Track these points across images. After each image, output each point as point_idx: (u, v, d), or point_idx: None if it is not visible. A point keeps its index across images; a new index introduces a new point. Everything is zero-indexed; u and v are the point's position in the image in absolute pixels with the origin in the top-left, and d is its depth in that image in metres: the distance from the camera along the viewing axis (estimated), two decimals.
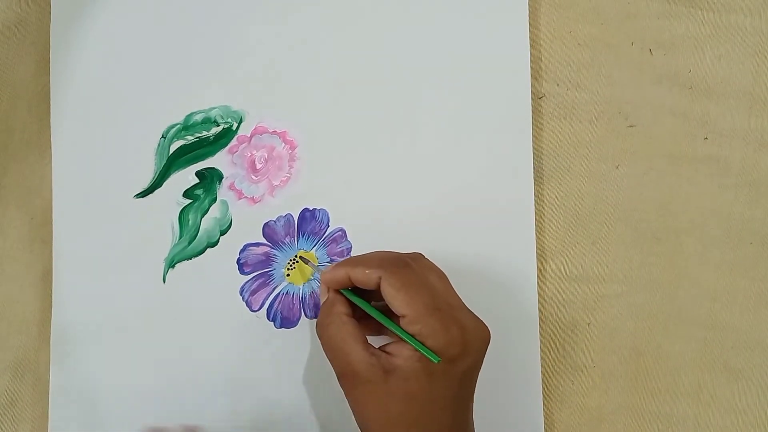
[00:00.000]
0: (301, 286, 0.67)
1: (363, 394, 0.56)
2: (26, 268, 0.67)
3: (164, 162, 0.66)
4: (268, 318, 0.66)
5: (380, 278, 0.56)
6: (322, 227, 0.67)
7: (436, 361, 0.53)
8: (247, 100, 0.67)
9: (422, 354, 0.53)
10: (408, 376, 0.54)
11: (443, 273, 0.59)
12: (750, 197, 0.69)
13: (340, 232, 0.67)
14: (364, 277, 0.57)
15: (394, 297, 0.55)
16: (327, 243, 0.67)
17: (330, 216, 0.67)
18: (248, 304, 0.66)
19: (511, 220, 0.67)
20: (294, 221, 0.67)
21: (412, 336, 0.54)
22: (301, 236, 0.67)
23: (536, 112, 0.69)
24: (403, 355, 0.54)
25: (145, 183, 0.67)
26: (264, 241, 0.67)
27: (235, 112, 0.67)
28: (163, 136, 0.66)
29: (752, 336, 0.69)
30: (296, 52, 0.68)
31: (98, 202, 0.67)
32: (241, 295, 0.66)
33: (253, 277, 0.67)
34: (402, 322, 0.55)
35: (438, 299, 0.56)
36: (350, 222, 0.67)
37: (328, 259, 0.67)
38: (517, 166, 0.68)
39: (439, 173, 0.68)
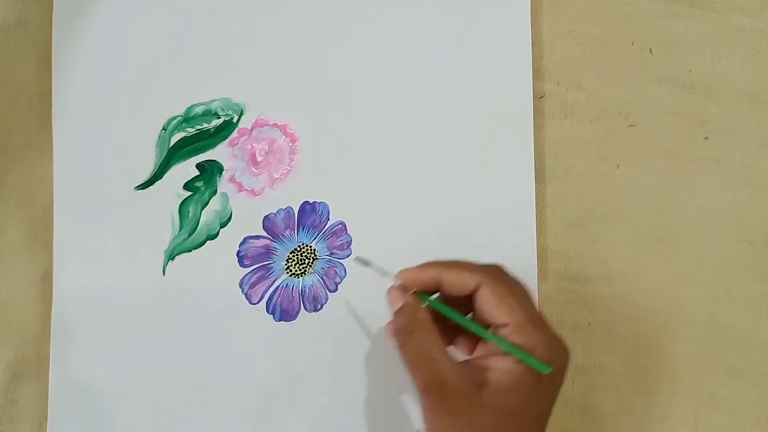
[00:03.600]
0: (300, 280, 0.67)
1: (453, 408, 0.51)
2: (26, 268, 0.67)
3: (165, 154, 0.66)
4: (267, 311, 0.66)
5: (479, 285, 0.54)
6: (323, 220, 0.67)
7: (546, 372, 0.51)
8: (248, 92, 0.67)
9: (524, 367, 0.51)
10: (506, 389, 0.51)
11: (527, 293, 0.56)
12: (750, 197, 0.69)
13: (340, 226, 0.67)
14: (460, 280, 0.55)
15: (496, 305, 0.53)
16: (327, 236, 0.67)
17: (330, 209, 0.67)
18: (248, 297, 0.66)
19: (511, 220, 0.67)
20: (294, 214, 0.67)
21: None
22: (301, 229, 0.67)
23: (537, 111, 0.69)
24: (499, 368, 0.52)
25: (145, 175, 0.67)
26: (264, 233, 0.67)
27: (235, 104, 0.67)
28: (163, 128, 0.66)
29: (752, 336, 0.69)
30: (298, 45, 0.68)
31: (99, 194, 0.66)
32: (240, 287, 0.66)
33: (253, 269, 0.66)
34: (501, 332, 0.53)
35: (539, 313, 0.54)
36: (350, 215, 0.67)
37: (328, 252, 0.67)
38: (518, 166, 0.68)
39: (439, 172, 0.68)
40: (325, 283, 0.67)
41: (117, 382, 0.66)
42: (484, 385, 0.51)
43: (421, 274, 0.57)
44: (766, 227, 0.69)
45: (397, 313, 0.57)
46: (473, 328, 0.55)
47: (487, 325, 0.54)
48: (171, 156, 0.66)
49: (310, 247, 0.67)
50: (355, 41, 0.68)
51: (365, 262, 0.64)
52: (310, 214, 0.67)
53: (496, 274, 0.55)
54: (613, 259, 0.69)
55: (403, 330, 0.55)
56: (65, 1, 0.67)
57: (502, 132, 0.68)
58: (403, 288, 0.57)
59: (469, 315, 0.57)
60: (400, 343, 0.55)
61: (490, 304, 0.53)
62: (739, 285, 0.69)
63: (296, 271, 0.67)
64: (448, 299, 0.56)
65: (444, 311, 0.56)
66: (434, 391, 0.52)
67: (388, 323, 0.58)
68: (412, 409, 0.66)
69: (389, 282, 0.58)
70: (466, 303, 0.56)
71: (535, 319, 0.53)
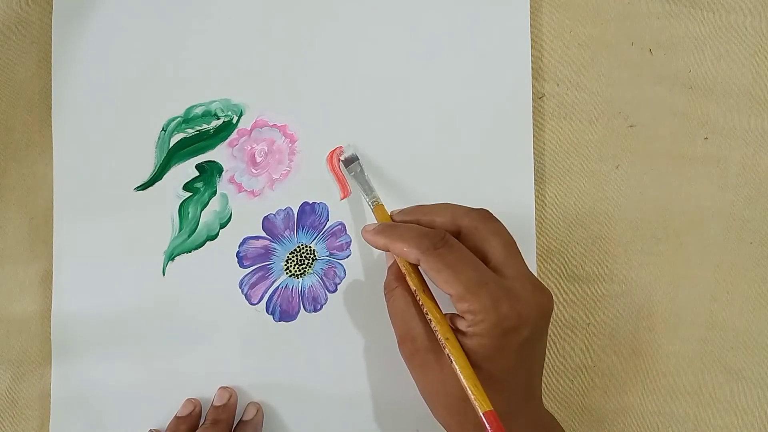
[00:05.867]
0: (300, 280, 0.67)
1: (422, 363, 0.55)
2: (26, 268, 0.67)
3: (164, 155, 0.66)
4: (267, 311, 0.66)
5: (417, 261, 0.55)
6: (322, 221, 0.67)
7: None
8: (247, 93, 0.67)
9: (478, 329, 0.52)
10: (469, 346, 0.53)
11: (510, 238, 0.58)
12: (750, 197, 0.69)
13: (339, 226, 0.67)
14: (403, 254, 0.56)
15: (436, 279, 0.54)
16: (326, 237, 0.67)
17: (329, 210, 0.67)
18: (247, 298, 0.66)
19: (511, 220, 0.67)
20: (294, 215, 0.67)
21: (462, 314, 0.53)
22: (300, 230, 0.67)
23: (536, 111, 0.69)
24: (458, 329, 0.54)
25: (145, 176, 0.66)
26: (264, 234, 0.67)
27: (235, 105, 0.67)
28: (163, 129, 0.66)
29: (752, 336, 0.69)
30: (297, 45, 0.68)
31: (98, 196, 0.66)
32: (240, 288, 0.66)
33: (253, 270, 0.66)
34: (452, 300, 0.54)
35: (485, 274, 0.54)
36: (350, 216, 0.67)
37: (328, 253, 0.67)
38: (517, 166, 0.68)
39: (439, 172, 0.68)
40: (324, 283, 0.67)
41: (118, 382, 0.66)
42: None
43: (375, 240, 0.59)
44: (766, 227, 0.69)
45: (388, 269, 0.61)
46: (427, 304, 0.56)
47: None
48: (171, 157, 0.66)
49: (310, 247, 0.67)
50: (355, 42, 0.68)
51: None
52: (309, 215, 0.67)
53: (435, 245, 0.55)
54: (613, 259, 0.69)
55: (386, 286, 0.60)
56: (65, 1, 0.67)
57: (501, 132, 0.68)
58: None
59: None
60: (385, 298, 0.60)
61: (432, 277, 0.54)
62: (739, 285, 0.69)
63: (296, 271, 0.67)
64: None
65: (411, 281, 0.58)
66: (405, 346, 0.57)
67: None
68: (412, 409, 0.66)
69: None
70: None
71: (477, 286, 0.53)
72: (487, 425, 0.49)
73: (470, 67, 0.69)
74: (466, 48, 0.69)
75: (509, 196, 0.68)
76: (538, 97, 0.69)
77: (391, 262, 0.60)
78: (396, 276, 0.59)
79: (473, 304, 0.52)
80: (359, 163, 0.66)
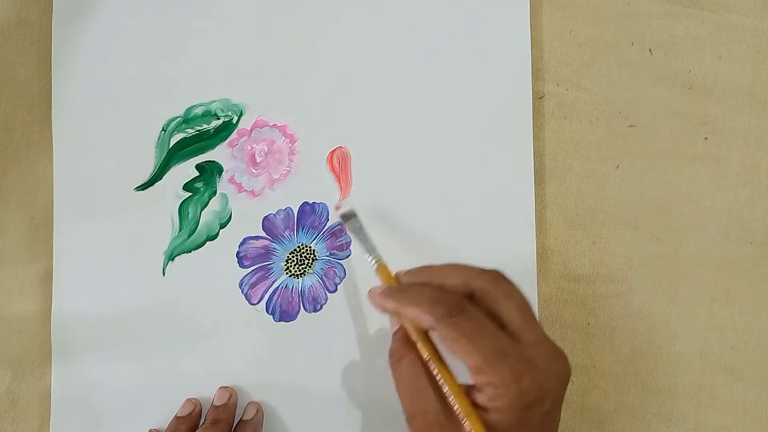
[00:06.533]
0: (300, 280, 0.67)
1: None
2: (26, 268, 0.67)
3: (164, 155, 0.66)
4: (267, 311, 0.66)
5: (432, 328, 0.52)
6: (322, 221, 0.67)
7: None
8: (247, 93, 0.67)
9: (499, 404, 0.49)
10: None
11: (524, 300, 0.54)
12: (750, 197, 0.69)
13: (339, 226, 0.67)
14: (417, 320, 0.53)
15: (452, 348, 0.51)
16: (326, 237, 0.67)
17: (329, 210, 0.67)
18: (247, 298, 0.66)
19: (511, 220, 0.67)
20: (294, 215, 0.67)
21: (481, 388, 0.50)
22: (300, 230, 0.67)
23: (536, 112, 0.69)
24: (477, 403, 0.51)
25: (145, 176, 0.67)
26: (264, 234, 0.67)
27: (235, 105, 0.67)
28: (163, 129, 0.66)
29: (752, 336, 0.69)
30: (297, 45, 0.68)
31: (98, 196, 0.67)
32: (240, 288, 0.66)
33: (253, 270, 0.66)
34: (469, 371, 0.51)
35: (505, 343, 0.51)
36: None
37: (327, 253, 0.67)
38: (518, 166, 0.68)
39: (439, 172, 0.68)
40: (324, 283, 0.67)
41: (118, 382, 0.66)
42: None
43: (384, 304, 0.56)
44: (766, 227, 0.69)
45: (393, 335, 0.57)
46: (442, 373, 0.53)
47: None
48: (171, 157, 0.66)
49: (310, 247, 0.67)
50: (355, 42, 0.68)
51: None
52: (309, 215, 0.67)
53: (451, 313, 0.52)
54: (613, 259, 0.69)
55: (393, 355, 0.55)
56: (65, 1, 0.67)
57: (501, 132, 0.68)
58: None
59: None
60: (391, 368, 0.55)
61: (448, 346, 0.52)
62: (739, 285, 0.69)
63: (296, 271, 0.67)
64: None
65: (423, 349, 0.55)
66: (415, 422, 0.52)
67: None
68: None
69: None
70: None
71: (497, 357, 0.50)
72: None
73: (470, 67, 0.69)
74: (466, 48, 0.69)
75: (509, 196, 0.68)
76: (538, 97, 0.69)
77: (396, 327, 0.57)
78: (403, 343, 0.55)
79: (493, 377, 0.49)
80: (358, 218, 0.64)
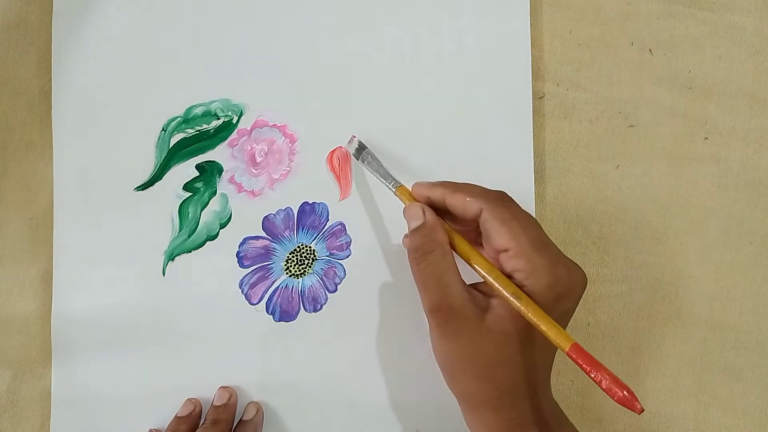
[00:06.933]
0: (300, 280, 0.67)
1: (456, 330, 0.53)
2: (26, 268, 0.67)
3: (164, 155, 0.66)
4: (267, 311, 0.66)
5: (482, 210, 0.54)
6: (322, 221, 0.67)
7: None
8: (247, 93, 0.67)
9: (534, 288, 0.52)
10: (508, 315, 0.53)
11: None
12: (750, 197, 0.69)
13: (339, 226, 0.67)
14: (464, 204, 0.55)
15: (497, 230, 0.53)
16: (326, 237, 0.67)
17: (329, 210, 0.67)
18: (247, 298, 0.66)
19: None
20: (294, 215, 0.67)
21: (511, 273, 0.53)
22: (300, 230, 0.67)
23: (536, 112, 0.69)
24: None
25: (145, 176, 0.66)
26: (264, 234, 0.66)
27: (235, 105, 0.67)
28: (163, 129, 0.66)
29: (752, 336, 0.69)
30: (297, 45, 0.68)
31: (99, 195, 0.66)
32: (240, 288, 0.66)
33: (253, 270, 0.66)
34: (503, 257, 0.53)
35: (544, 235, 0.55)
36: (350, 216, 0.67)
37: (328, 253, 0.67)
38: (518, 166, 0.68)
39: (439, 171, 0.67)
40: (324, 283, 0.67)
41: (118, 382, 0.66)
42: (487, 311, 0.53)
43: (429, 191, 0.58)
44: (766, 227, 0.69)
45: (415, 231, 0.57)
46: (477, 260, 0.55)
47: (493, 251, 0.55)
48: (171, 157, 0.66)
49: (310, 247, 0.67)
50: (355, 42, 0.68)
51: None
52: (309, 215, 0.67)
53: (500, 199, 0.55)
54: (613, 259, 0.69)
55: (418, 249, 0.56)
56: (65, 1, 0.67)
57: (501, 132, 0.68)
58: (419, 207, 0.58)
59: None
60: (414, 263, 0.56)
61: (492, 227, 0.54)
62: (739, 285, 0.69)
63: (296, 271, 0.67)
64: (458, 221, 0.58)
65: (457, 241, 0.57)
66: (441, 313, 0.54)
67: (405, 236, 0.60)
68: (412, 409, 0.66)
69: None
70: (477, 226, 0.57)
71: (539, 244, 0.53)
72: (576, 359, 0.49)
73: (470, 67, 0.69)
74: (466, 48, 0.69)
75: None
76: (538, 97, 0.69)
77: (419, 223, 0.57)
78: (430, 238, 0.56)
79: (534, 261, 0.52)
80: (369, 151, 0.65)
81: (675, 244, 0.69)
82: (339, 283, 0.67)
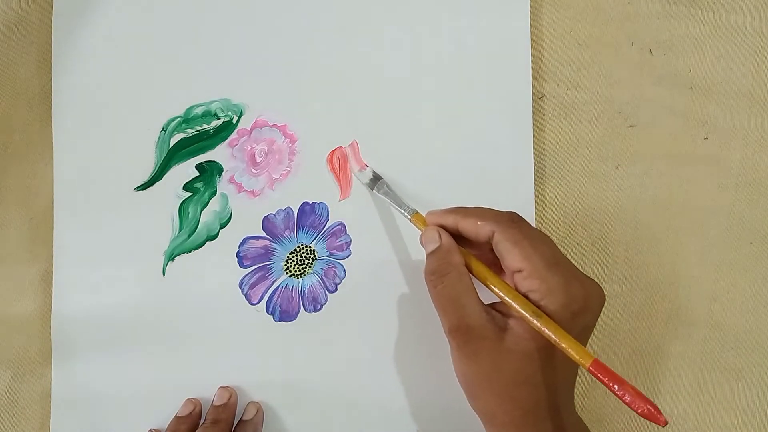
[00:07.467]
0: (300, 280, 0.67)
1: (476, 350, 0.53)
2: (26, 268, 0.67)
3: (164, 155, 0.66)
4: (267, 311, 0.66)
5: (494, 232, 0.55)
6: (322, 221, 0.67)
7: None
8: (247, 93, 0.67)
9: (550, 308, 0.52)
10: (527, 335, 0.53)
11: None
12: (750, 197, 0.69)
13: (339, 226, 0.67)
14: (475, 228, 0.56)
15: (509, 251, 0.54)
16: (326, 237, 0.67)
17: (329, 210, 0.67)
18: (247, 298, 0.66)
19: None
20: (294, 215, 0.67)
21: (526, 293, 0.53)
22: (300, 230, 0.67)
23: (536, 112, 0.69)
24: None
25: (145, 176, 0.66)
26: (264, 234, 0.66)
27: (235, 105, 0.67)
28: (163, 129, 0.66)
29: (752, 336, 0.69)
30: (297, 45, 0.68)
31: (99, 195, 0.66)
32: (240, 288, 0.66)
33: (253, 270, 0.66)
34: (517, 277, 0.54)
35: (557, 252, 0.55)
36: (350, 216, 0.67)
37: (327, 253, 0.67)
38: (518, 166, 0.68)
39: (439, 172, 0.68)
40: (324, 283, 0.67)
41: (118, 382, 0.66)
42: (506, 330, 0.54)
43: (442, 218, 0.59)
44: (766, 227, 0.69)
45: (431, 255, 0.58)
46: (494, 281, 0.55)
47: (509, 272, 0.55)
48: (171, 157, 0.66)
49: (310, 247, 0.67)
50: (355, 42, 0.68)
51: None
52: (309, 215, 0.67)
53: (510, 220, 0.56)
54: (613, 259, 0.69)
55: (435, 272, 0.57)
56: (65, 1, 0.67)
57: (501, 132, 0.68)
58: (435, 231, 0.58)
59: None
60: (431, 285, 0.57)
61: (505, 249, 0.54)
62: (739, 285, 0.69)
63: (296, 271, 0.67)
64: (474, 245, 0.58)
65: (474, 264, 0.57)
66: (459, 334, 0.54)
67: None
68: (412, 409, 0.66)
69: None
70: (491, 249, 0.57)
71: (552, 262, 0.54)
72: (598, 375, 0.49)
73: (470, 67, 0.69)
74: (466, 48, 0.69)
75: (509, 196, 0.68)
76: (538, 97, 0.69)
77: (434, 246, 0.58)
78: (447, 261, 0.57)
79: (549, 280, 0.52)
80: (384, 181, 0.66)
81: (675, 244, 0.69)
82: (339, 283, 0.67)
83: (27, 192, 0.67)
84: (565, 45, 0.70)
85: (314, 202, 0.67)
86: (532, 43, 0.68)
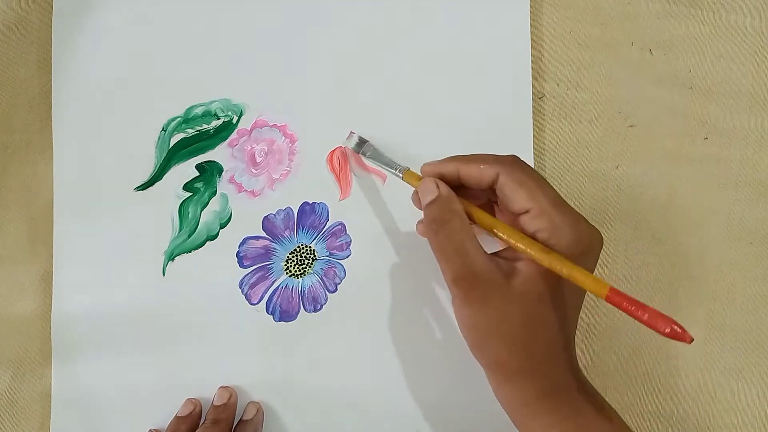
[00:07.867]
0: (300, 280, 0.67)
1: (483, 297, 0.52)
2: (26, 268, 0.67)
3: (164, 155, 0.66)
4: (267, 311, 0.66)
5: (498, 175, 0.54)
6: (322, 221, 0.67)
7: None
8: (247, 93, 0.67)
9: (559, 245, 0.51)
10: (533, 277, 0.52)
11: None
12: (750, 197, 0.69)
13: (339, 226, 0.67)
14: (478, 173, 0.55)
15: (516, 191, 0.53)
16: (326, 237, 0.67)
17: (329, 210, 0.67)
18: (247, 298, 0.66)
19: None
20: (294, 215, 0.67)
21: (533, 233, 0.52)
22: (300, 230, 0.67)
23: (536, 112, 0.69)
24: (527, 257, 0.52)
25: (145, 176, 0.66)
26: (264, 234, 0.67)
27: (235, 105, 0.67)
28: (163, 129, 0.66)
29: (752, 336, 0.69)
30: (297, 45, 0.68)
31: (99, 195, 0.66)
32: (240, 288, 0.66)
33: (253, 270, 0.66)
34: (523, 219, 0.53)
35: (560, 197, 0.55)
36: (350, 216, 0.67)
37: (327, 253, 0.67)
38: None
39: None
40: (324, 283, 0.67)
41: (118, 382, 0.66)
42: (513, 275, 0.52)
43: (441, 167, 0.58)
44: (766, 227, 0.69)
45: (431, 204, 0.56)
46: (497, 225, 0.54)
47: (512, 215, 0.55)
48: (171, 157, 0.66)
49: (310, 247, 0.67)
50: (355, 42, 0.68)
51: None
52: (309, 215, 0.67)
53: (514, 162, 0.55)
54: (614, 258, 0.69)
55: (436, 221, 0.55)
56: (65, 1, 0.67)
57: (501, 132, 0.68)
58: (433, 182, 0.57)
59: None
60: (432, 234, 0.55)
61: (510, 190, 0.54)
62: (739, 285, 0.69)
63: (296, 271, 0.67)
64: (473, 194, 0.58)
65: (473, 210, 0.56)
66: (465, 282, 0.52)
67: (419, 222, 0.61)
68: (412, 409, 0.66)
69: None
70: (489, 196, 0.58)
71: (558, 203, 0.54)
72: (617, 301, 0.49)
73: (470, 67, 0.69)
74: (466, 48, 0.69)
75: None
76: (538, 97, 0.69)
77: (434, 196, 0.56)
78: (449, 208, 0.55)
79: (556, 219, 0.52)
80: (370, 144, 0.65)
81: (675, 244, 0.69)
82: (339, 283, 0.67)
83: (27, 192, 0.67)
84: (565, 45, 0.70)
85: (314, 202, 0.67)
86: (532, 43, 0.68)
